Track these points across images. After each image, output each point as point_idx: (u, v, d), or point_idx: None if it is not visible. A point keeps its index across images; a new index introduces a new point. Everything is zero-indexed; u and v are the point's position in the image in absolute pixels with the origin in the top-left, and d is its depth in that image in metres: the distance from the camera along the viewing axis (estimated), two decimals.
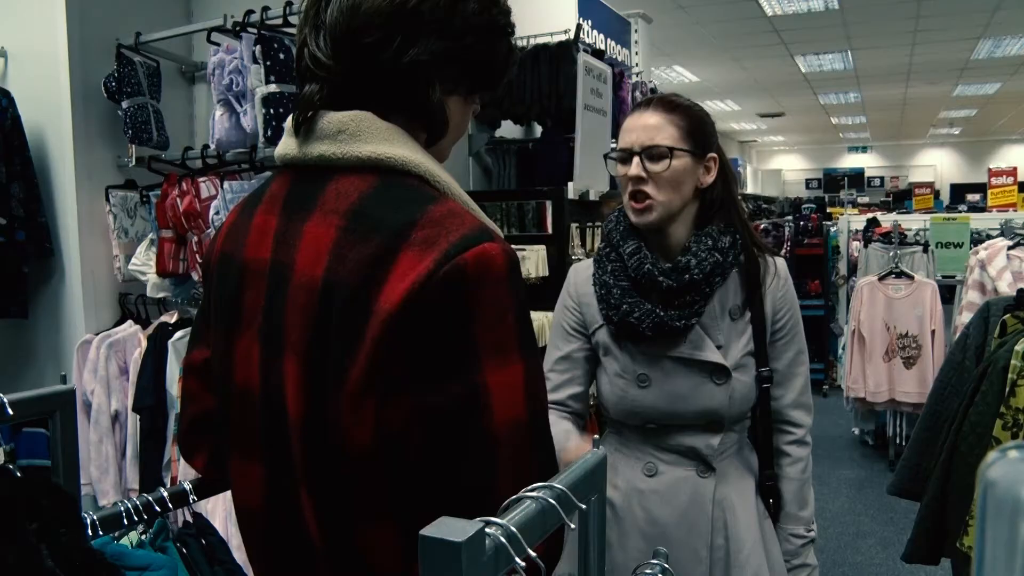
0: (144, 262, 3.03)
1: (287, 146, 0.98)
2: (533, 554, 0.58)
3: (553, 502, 0.63)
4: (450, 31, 0.94)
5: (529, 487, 0.64)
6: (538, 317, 2.98)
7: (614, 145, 1.61)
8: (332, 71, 0.94)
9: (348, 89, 0.95)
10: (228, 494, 1.27)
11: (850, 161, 21.59)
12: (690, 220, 1.56)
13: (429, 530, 0.53)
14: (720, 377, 1.52)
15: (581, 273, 1.66)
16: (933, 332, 4.93)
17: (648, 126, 1.51)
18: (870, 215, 7.06)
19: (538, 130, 3.94)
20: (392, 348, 0.84)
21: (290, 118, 0.98)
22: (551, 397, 1.65)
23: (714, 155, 1.55)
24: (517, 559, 0.57)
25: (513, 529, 0.57)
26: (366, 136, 0.92)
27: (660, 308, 1.50)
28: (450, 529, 0.53)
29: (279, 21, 2.64)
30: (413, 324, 0.83)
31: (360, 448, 0.87)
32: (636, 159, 1.51)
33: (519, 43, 1.08)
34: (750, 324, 1.56)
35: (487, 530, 0.55)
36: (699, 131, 1.53)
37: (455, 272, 0.83)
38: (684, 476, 1.56)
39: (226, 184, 2.73)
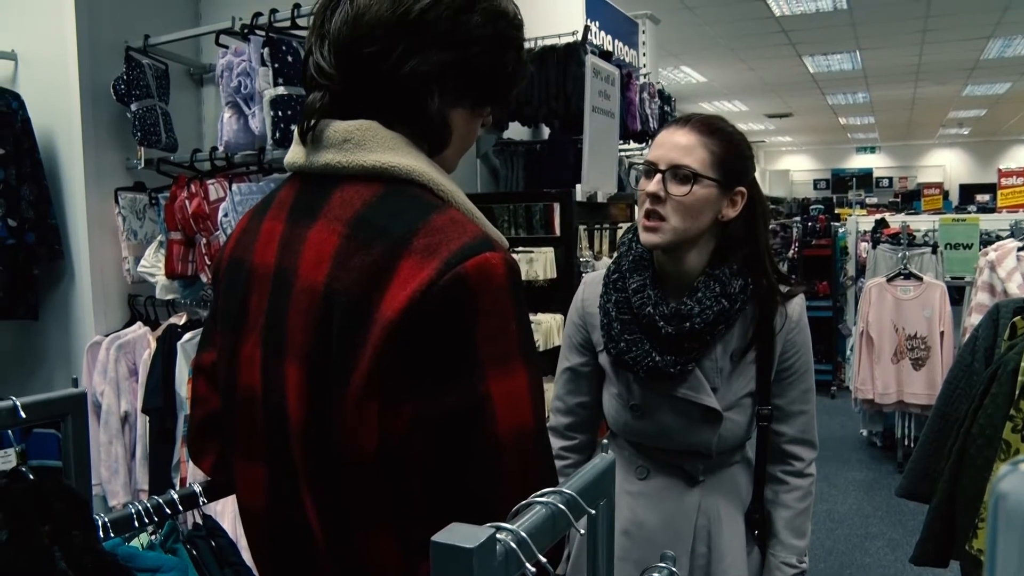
0: (153, 264, 3.04)
1: (295, 154, 0.99)
2: (543, 559, 0.58)
3: (563, 507, 0.63)
4: (453, 42, 0.94)
5: (539, 492, 0.64)
6: (546, 319, 2.98)
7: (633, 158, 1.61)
8: (334, 80, 0.95)
9: (350, 98, 0.95)
10: None
11: (858, 162, 21.53)
12: (706, 252, 1.49)
13: (441, 536, 0.53)
14: (711, 418, 1.50)
15: (590, 289, 1.62)
16: (942, 334, 4.91)
17: (679, 145, 1.44)
18: (878, 216, 7.05)
19: (546, 132, 3.94)
20: (394, 356, 0.84)
21: (296, 127, 0.99)
22: (561, 404, 1.68)
23: (743, 189, 1.47)
24: (527, 564, 0.57)
25: (523, 535, 0.57)
26: (371, 145, 0.93)
27: (657, 352, 1.46)
28: (461, 535, 0.53)
29: (287, 23, 2.65)
30: (414, 332, 0.84)
31: (362, 454, 0.87)
32: (658, 176, 1.43)
33: (526, 44, 1.07)
34: (754, 364, 1.52)
35: (498, 536, 0.55)
36: (732, 160, 1.45)
37: (456, 281, 0.83)
38: (673, 483, 1.56)
39: (234, 186, 2.74)
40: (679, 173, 1.42)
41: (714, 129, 1.46)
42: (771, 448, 1.57)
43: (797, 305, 1.54)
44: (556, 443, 1.68)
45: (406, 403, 0.85)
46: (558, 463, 1.65)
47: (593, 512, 0.68)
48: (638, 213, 1.50)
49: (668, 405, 1.51)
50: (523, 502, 0.63)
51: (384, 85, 0.94)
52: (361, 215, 0.91)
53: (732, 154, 1.46)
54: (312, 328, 0.90)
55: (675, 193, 1.42)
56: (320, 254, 0.91)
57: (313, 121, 0.95)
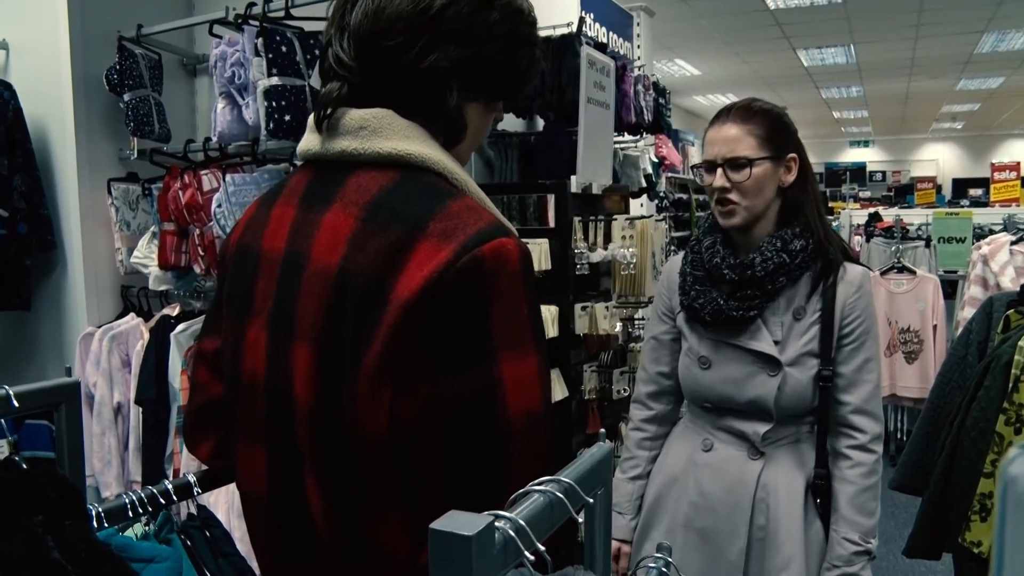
0: (146, 255, 3.02)
1: (309, 142, 1.00)
2: (541, 548, 0.58)
3: (561, 496, 0.63)
4: (471, 39, 0.96)
5: (536, 481, 0.64)
6: (541, 310, 2.97)
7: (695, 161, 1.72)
8: (353, 72, 0.96)
9: (368, 90, 0.96)
10: (231, 487, 1.27)
11: (852, 155, 21.53)
12: (773, 218, 1.66)
13: (439, 524, 0.53)
14: (773, 369, 1.60)
15: (674, 263, 1.80)
16: (935, 327, 4.92)
17: (728, 138, 1.61)
18: (872, 210, 7.04)
19: (540, 123, 3.93)
20: (408, 336, 0.85)
21: (311, 116, 1.00)
22: (644, 373, 1.84)
23: (794, 155, 1.65)
24: (526, 552, 0.57)
25: (522, 523, 0.57)
26: (387, 133, 0.94)
27: (723, 298, 1.62)
28: (460, 523, 0.53)
29: (281, 14, 2.63)
30: (430, 313, 0.84)
31: (374, 437, 0.88)
32: (719, 171, 1.62)
33: None
34: (817, 324, 1.61)
35: (496, 524, 0.55)
36: (777, 134, 1.63)
37: (472, 264, 0.84)
38: (735, 455, 1.65)
39: (228, 177, 2.73)
40: (735, 163, 1.60)
41: (753, 113, 1.64)
42: (834, 420, 1.63)
43: (859, 272, 1.65)
44: (638, 414, 1.83)
45: (419, 385, 0.85)
46: (636, 435, 1.80)
47: (591, 501, 0.68)
48: (711, 202, 1.69)
49: (732, 355, 1.63)
50: (521, 490, 0.63)
51: (403, 79, 0.95)
52: (377, 199, 0.91)
53: (775, 129, 1.64)
54: (324, 310, 0.90)
55: (737, 180, 1.60)
56: (335, 237, 0.92)
57: (329, 110, 0.96)
